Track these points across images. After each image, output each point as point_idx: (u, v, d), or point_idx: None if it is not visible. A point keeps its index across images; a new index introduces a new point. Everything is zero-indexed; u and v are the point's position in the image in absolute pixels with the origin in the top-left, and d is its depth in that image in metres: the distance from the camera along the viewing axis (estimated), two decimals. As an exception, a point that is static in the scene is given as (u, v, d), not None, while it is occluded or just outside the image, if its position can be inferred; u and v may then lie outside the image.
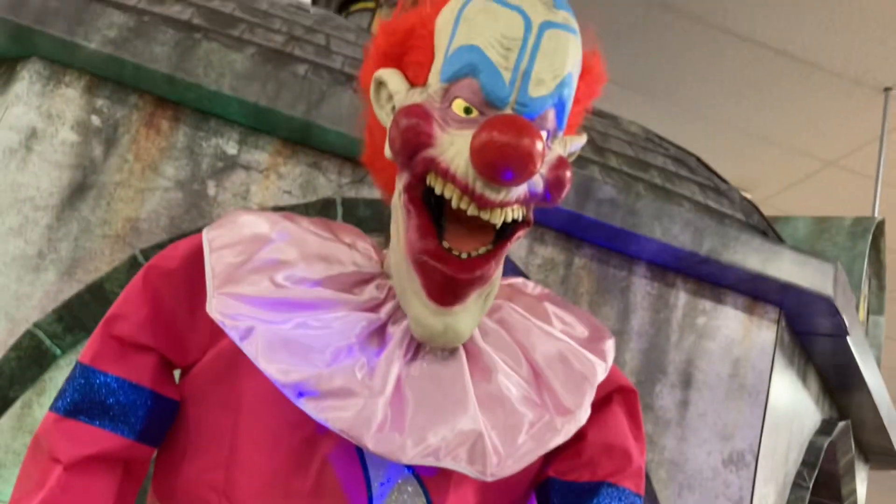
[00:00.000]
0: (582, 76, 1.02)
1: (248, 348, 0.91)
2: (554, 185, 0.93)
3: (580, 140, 1.05)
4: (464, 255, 0.91)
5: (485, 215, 0.90)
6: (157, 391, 1.00)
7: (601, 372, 1.04)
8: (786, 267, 1.71)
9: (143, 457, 1.01)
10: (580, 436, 1.06)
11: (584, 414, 1.00)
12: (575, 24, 0.94)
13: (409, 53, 0.98)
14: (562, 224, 1.68)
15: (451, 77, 0.90)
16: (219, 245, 1.00)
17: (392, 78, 0.98)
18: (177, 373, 1.07)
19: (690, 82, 4.13)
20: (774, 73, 3.91)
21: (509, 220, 0.91)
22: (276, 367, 0.89)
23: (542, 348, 1.03)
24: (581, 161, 1.83)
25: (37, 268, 1.45)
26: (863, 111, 4.00)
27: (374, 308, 0.99)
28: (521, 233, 0.96)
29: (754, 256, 1.69)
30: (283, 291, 0.96)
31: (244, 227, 1.02)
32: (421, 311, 0.92)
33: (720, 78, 4.04)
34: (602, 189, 1.63)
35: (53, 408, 0.97)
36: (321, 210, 1.59)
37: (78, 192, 1.51)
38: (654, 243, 1.66)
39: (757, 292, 1.78)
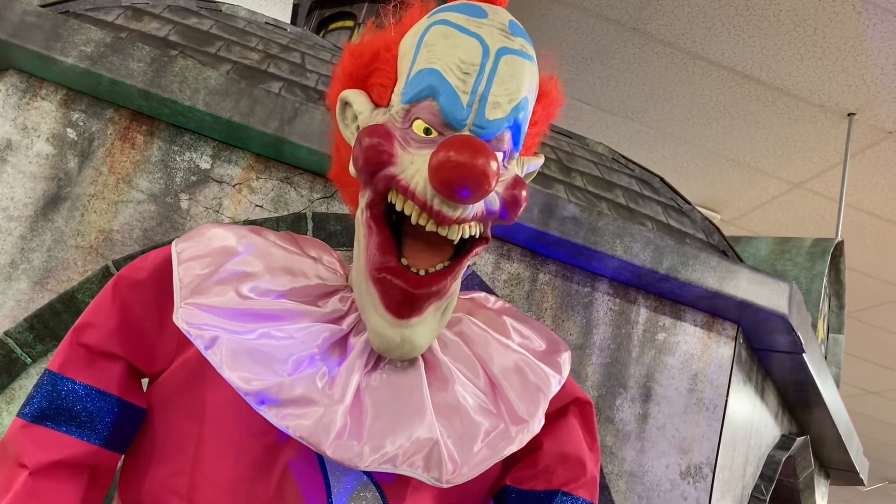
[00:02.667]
0: (539, 99, 1.07)
1: (213, 357, 0.94)
2: (510, 203, 0.98)
3: (538, 161, 1.10)
4: (421, 272, 0.96)
5: (442, 231, 0.94)
6: (124, 398, 1.02)
7: (555, 383, 1.09)
8: (743, 285, 1.77)
9: (110, 463, 1.03)
10: (536, 445, 1.10)
11: (537, 423, 1.05)
12: (531, 51, 0.99)
13: (374, 75, 1.03)
14: (527, 241, 1.73)
15: (412, 99, 0.95)
16: (187, 257, 1.04)
17: (357, 98, 1.03)
18: (145, 382, 1.10)
19: (661, 105, 4.22)
20: (742, 97, 4.02)
21: (466, 236, 0.96)
22: (238, 376, 0.92)
23: (499, 360, 1.08)
24: (547, 180, 1.88)
25: (9, 277, 1.48)
26: (827, 135, 4.11)
27: (337, 320, 1.03)
28: (478, 249, 1.01)
29: (712, 275, 1.75)
30: (248, 303, 1.00)
31: (213, 239, 1.06)
32: (379, 323, 0.97)
33: (690, 101, 4.14)
34: (566, 207, 1.69)
35: (20, 414, 1.00)
36: (292, 224, 1.63)
37: (52, 203, 1.53)
38: (616, 261, 1.71)
39: (715, 309, 1.84)
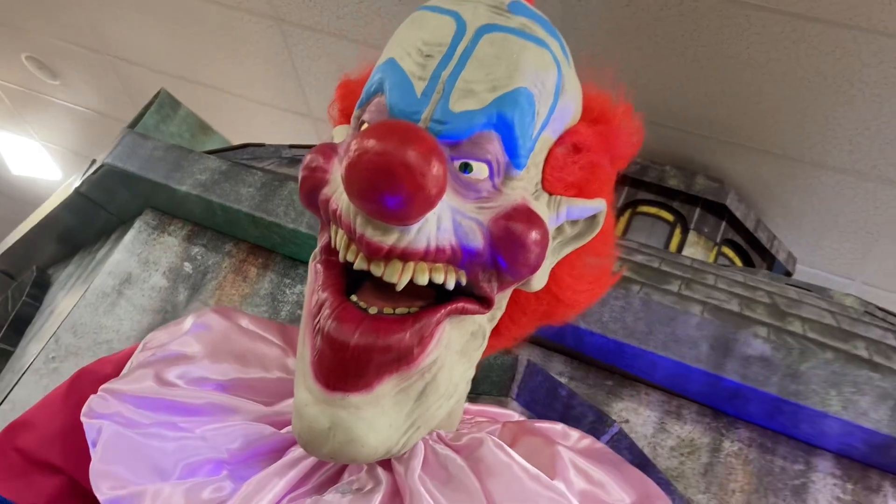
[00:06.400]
0: (593, 122, 0.76)
1: (94, 454, 0.70)
2: (501, 239, 0.64)
3: (585, 204, 0.75)
4: (373, 310, 0.64)
5: (377, 270, 0.63)
6: None
7: (605, 549, 0.66)
8: None
9: None
10: None
11: None
12: (541, 34, 0.69)
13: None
14: (702, 393, 1.28)
15: (363, 100, 0.70)
16: (150, 345, 0.84)
17: (341, 133, 0.81)
18: None
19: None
20: None
21: (422, 281, 0.64)
22: (103, 473, 0.67)
23: None
24: (736, 318, 1.42)
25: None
26: None
27: (281, 424, 0.73)
28: (465, 305, 0.67)
29: None
30: (168, 391, 0.75)
31: (180, 322, 0.87)
32: (303, 397, 0.65)
33: None
34: (749, 343, 1.22)
35: None
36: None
37: (153, 335, 1.44)
38: (836, 422, 1.17)
39: None
